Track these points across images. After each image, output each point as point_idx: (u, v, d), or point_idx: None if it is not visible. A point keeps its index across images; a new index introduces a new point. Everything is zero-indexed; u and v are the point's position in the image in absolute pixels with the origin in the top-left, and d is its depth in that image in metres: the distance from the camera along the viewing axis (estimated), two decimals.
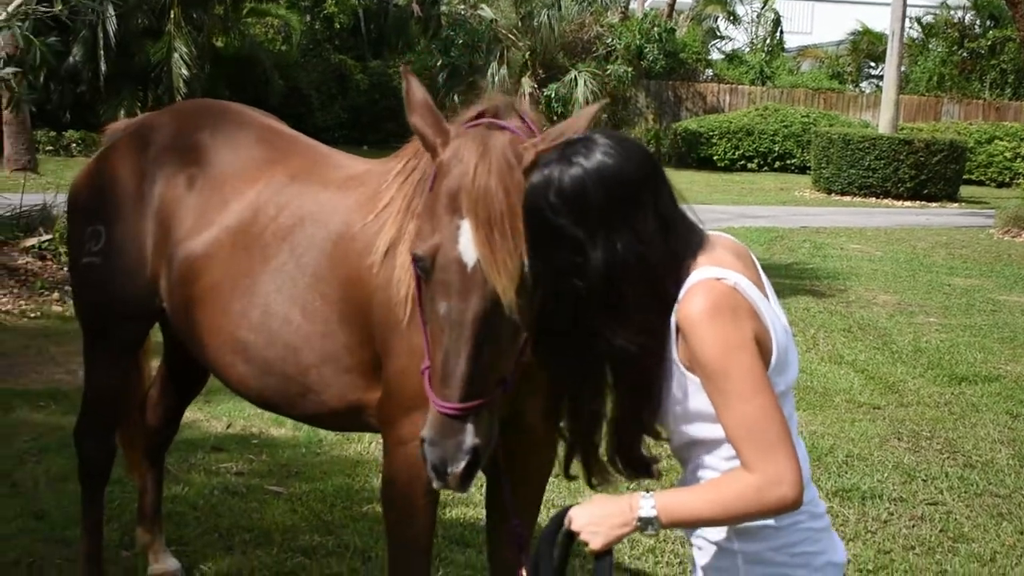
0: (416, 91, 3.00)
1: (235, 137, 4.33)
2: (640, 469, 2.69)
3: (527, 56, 33.88)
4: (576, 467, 2.79)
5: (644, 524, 2.49)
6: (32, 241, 12.35)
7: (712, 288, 2.47)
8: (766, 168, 33.87)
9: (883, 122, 29.54)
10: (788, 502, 2.41)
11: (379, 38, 37.19)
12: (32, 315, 10.86)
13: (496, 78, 32.70)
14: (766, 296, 2.62)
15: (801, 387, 9.26)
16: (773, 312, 2.59)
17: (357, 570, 5.41)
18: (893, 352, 10.83)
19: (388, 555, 3.85)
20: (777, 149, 33.95)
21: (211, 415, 7.76)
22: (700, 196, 26.40)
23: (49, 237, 12.44)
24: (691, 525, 2.60)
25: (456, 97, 33.39)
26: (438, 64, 34.77)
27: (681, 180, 21.52)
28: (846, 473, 7.10)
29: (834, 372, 9.93)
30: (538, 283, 2.59)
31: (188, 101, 5.01)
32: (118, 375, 4.76)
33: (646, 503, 2.49)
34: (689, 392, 2.54)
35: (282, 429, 7.42)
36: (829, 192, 28.29)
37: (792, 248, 18.07)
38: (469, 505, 6.20)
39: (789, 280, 14.75)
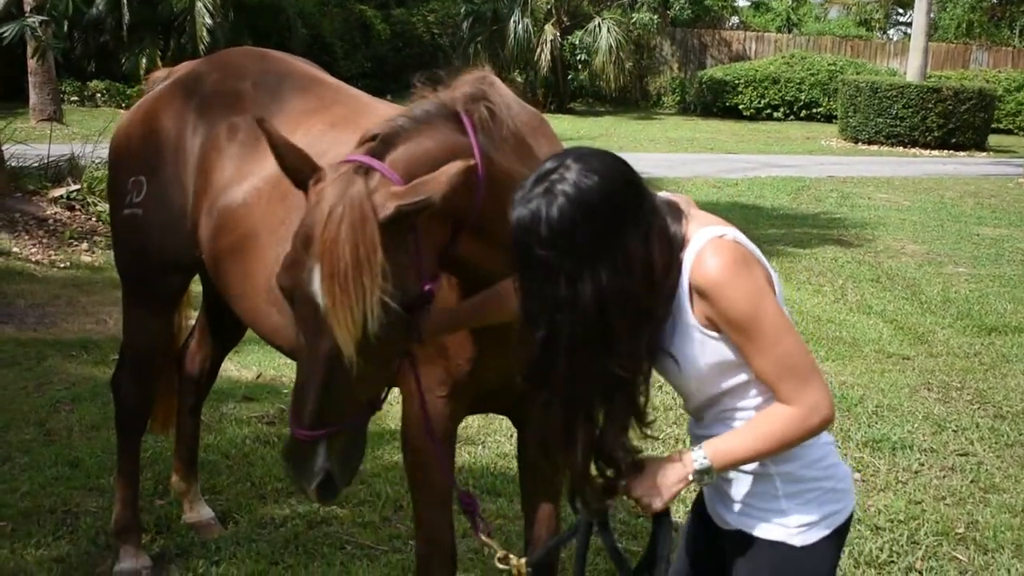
0: (277, 137, 2.87)
1: (277, 86, 4.29)
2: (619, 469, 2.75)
3: (551, 3, 33.65)
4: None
5: (700, 475, 2.63)
6: (60, 191, 12.35)
7: (720, 246, 2.57)
8: (792, 117, 33.61)
9: (911, 70, 29.26)
10: (829, 420, 2.61)
11: None
12: (61, 265, 10.92)
13: (519, 26, 32.56)
14: None
15: (830, 337, 9.27)
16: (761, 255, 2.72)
17: (388, 518, 5.45)
18: (922, 302, 10.79)
19: (412, 501, 3.89)
20: (803, 98, 33.65)
21: (241, 365, 7.80)
22: (726, 145, 26.32)
23: (77, 187, 12.45)
24: (740, 464, 2.69)
25: (479, 46, 33.33)
26: (461, 12, 34.65)
27: (706, 129, 21.62)
28: (876, 424, 7.09)
29: (863, 322, 9.90)
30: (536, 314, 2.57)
31: (231, 49, 4.90)
32: (157, 326, 4.77)
33: (698, 455, 2.63)
34: (710, 349, 2.63)
35: None
36: (856, 141, 28.09)
37: (819, 198, 17.97)
38: (500, 455, 6.23)
39: (816, 230, 14.70)
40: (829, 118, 32.25)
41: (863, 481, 6.15)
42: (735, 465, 2.68)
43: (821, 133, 30.23)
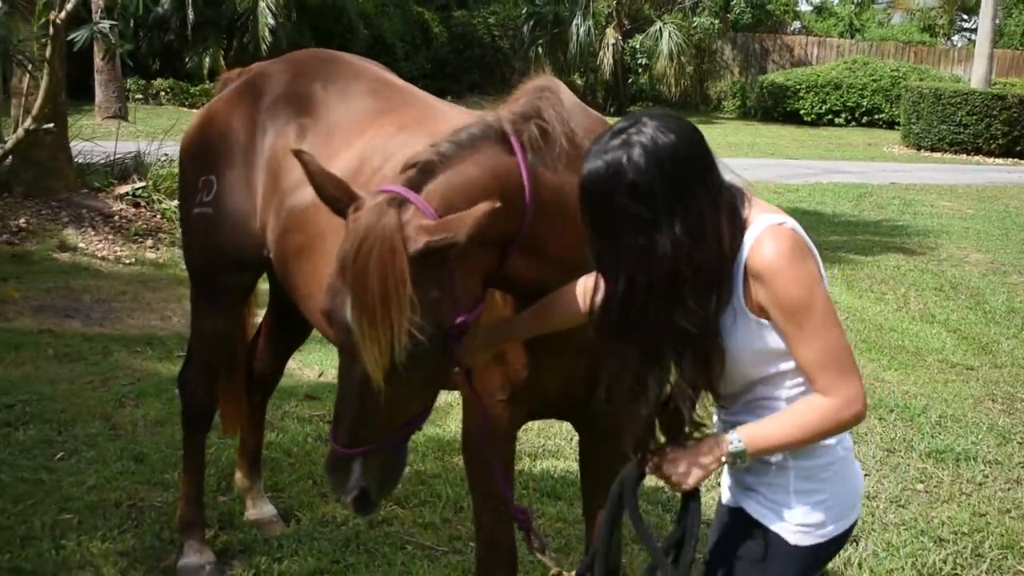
0: (315, 167, 2.92)
1: (347, 88, 4.32)
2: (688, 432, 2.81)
3: (613, 6, 33.61)
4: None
5: (734, 457, 2.71)
6: (126, 188, 12.51)
7: (779, 233, 2.62)
8: (853, 123, 33.36)
9: (976, 76, 28.96)
10: (861, 415, 2.68)
11: None
12: (127, 261, 11.06)
13: (581, 29, 32.57)
14: None
15: (892, 346, 9.20)
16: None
17: (449, 520, 5.46)
18: (986, 312, 10.67)
19: (472, 504, 3.91)
20: (865, 104, 33.39)
21: (304, 364, 7.86)
22: (786, 151, 26.16)
23: (143, 184, 12.61)
24: (774, 451, 2.75)
25: (540, 48, 33.38)
26: (523, 14, 34.69)
27: (767, 134, 21.44)
28: (940, 434, 7.02)
29: (926, 331, 9.82)
30: (610, 272, 2.63)
31: (301, 51, 4.91)
32: (224, 324, 4.82)
33: (733, 437, 2.70)
34: (758, 335, 2.68)
35: None
36: (919, 148, 27.78)
37: (881, 205, 17.81)
38: (560, 458, 6.24)
39: (879, 237, 14.58)
40: (891, 124, 31.98)
41: (926, 492, 6.09)
42: (769, 451, 2.74)
43: (883, 139, 29.97)
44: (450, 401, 7.11)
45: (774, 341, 2.66)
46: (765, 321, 2.65)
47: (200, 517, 5.00)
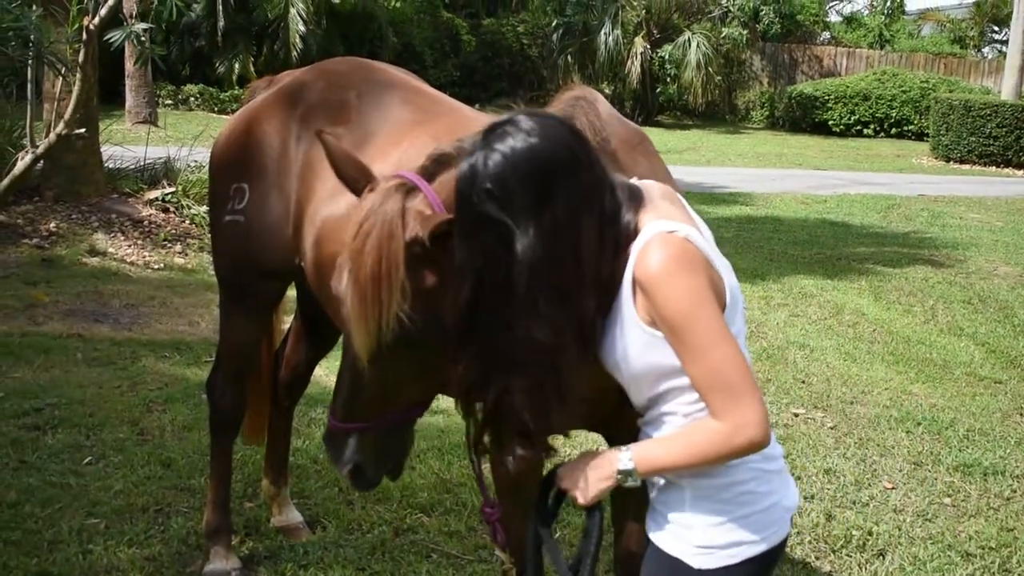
0: (335, 147, 2.97)
1: (382, 97, 4.31)
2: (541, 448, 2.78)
3: (642, 16, 33.64)
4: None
5: (624, 476, 2.61)
6: (156, 193, 12.56)
7: (667, 241, 2.51)
8: (882, 134, 33.25)
9: (1006, 88, 28.83)
10: (757, 443, 2.50)
11: None
12: (156, 266, 11.12)
13: (609, 39, 32.61)
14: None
15: (920, 359, 9.16)
16: (718, 254, 2.63)
17: (475, 528, 5.46)
18: (1015, 325, 10.60)
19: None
20: (894, 115, 33.28)
21: (330, 370, 7.85)
22: (814, 161, 26.09)
23: (172, 190, 12.65)
24: (666, 472, 2.65)
25: (568, 57, 33.43)
26: (552, 23, 34.77)
27: (795, 145, 21.43)
28: (967, 448, 6.98)
29: (954, 344, 9.77)
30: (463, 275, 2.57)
31: (335, 59, 4.90)
32: (253, 330, 4.82)
33: (624, 456, 2.61)
34: (650, 348, 2.56)
35: None
36: (948, 160, 27.66)
37: (909, 216, 17.74)
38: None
39: (907, 249, 14.52)
40: (920, 136, 31.87)
41: (954, 506, 6.06)
42: (658, 472, 2.64)
43: (912, 151, 29.84)
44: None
45: (667, 356, 2.54)
46: (658, 333, 2.53)
47: (227, 523, 5.02)
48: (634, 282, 2.53)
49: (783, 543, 2.75)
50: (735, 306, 2.62)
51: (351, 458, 2.94)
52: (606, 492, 2.67)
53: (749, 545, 2.66)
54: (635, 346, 2.57)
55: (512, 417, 2.63)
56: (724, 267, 2.63)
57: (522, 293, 2.47)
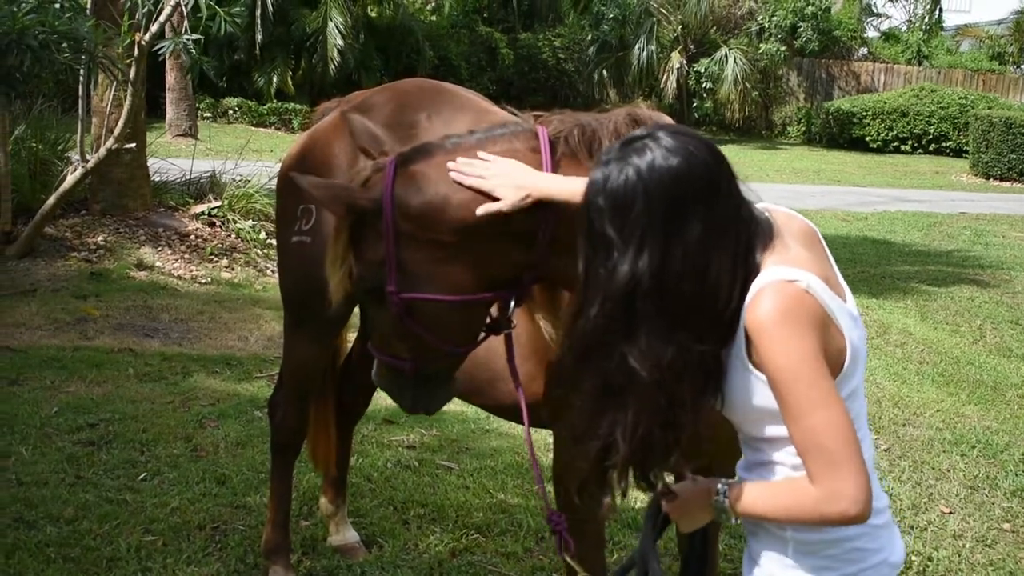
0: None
1: (452, 119, 4.27)
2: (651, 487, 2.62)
3: (678, 31, 33.65)
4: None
5: (718, 512, 2.55)
6: (202, 207, 12.60)
7: (781, 291, 2.35)
8: (920, 151, 33.05)
9: None
10: (849, 518, 2.31)
11: (530, 10, 37.19)
12: (203, 280, 11.16)
13: (645, 53, 32.65)
14: (839, 284, 2.52)
15: (971, 380, 9.08)
16: (845, 309, 2.46)
17: (531, 549, 5.45)
18: None
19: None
20: (932, 131, 33.08)
21: None
22: (853, 178, 25.98)
23: (218, 204, 12.69)
24: (756, 519, 2.52)
25: (604, 71, 33.46)
26: (588, 38, 34.84)
27: (832, 161, 21.29)
28: (1023, 473, 6.92)
29: (1004, 366, 9.68)
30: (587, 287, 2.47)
31: (405, 81, 4.87)
32: (317, 351, 4.78)
33: (722, 489, 2.52)
34: (755, 391, 2.44)
35: (450, 404, 7.46)
36: (988, 177, 27.48)
37: (951, 235, 17.64)
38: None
39: (951, 268, 14.42)
40: (959, 152, 31.70)
41: (1013, 532, 6.00)
42: (751, 517, 2.51)
43: (951, 168, 29.68)
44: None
45: (773, 401, 2.38)
46: (763, 377, 2.39)
47: (286, 542, 5.02)
48: (745, 327, 2.40)
49: None
50: (855, 363, 2.46)
51: (381, 381, 3.45)
52: (702, 523, 2.64)
53: None
54: (744, 387, 2.45)
55: (633, 456, 2.50)
56: (848, 318, 2.46)
57: (635, 320, 2.37)
